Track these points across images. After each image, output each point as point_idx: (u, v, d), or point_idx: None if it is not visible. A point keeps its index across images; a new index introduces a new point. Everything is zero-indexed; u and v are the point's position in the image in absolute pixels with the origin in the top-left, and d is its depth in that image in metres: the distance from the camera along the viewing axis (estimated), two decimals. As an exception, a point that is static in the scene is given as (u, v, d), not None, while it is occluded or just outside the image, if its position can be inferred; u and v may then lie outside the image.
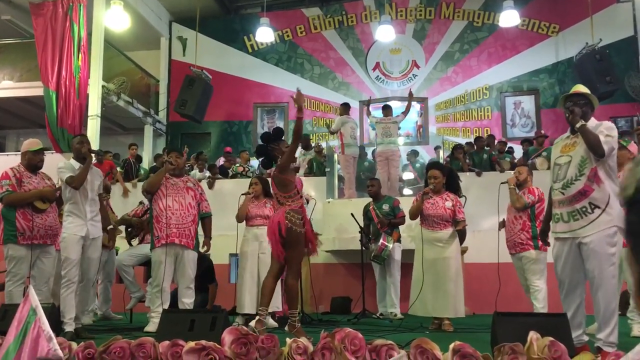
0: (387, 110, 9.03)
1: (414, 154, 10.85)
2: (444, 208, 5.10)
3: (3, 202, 4.76)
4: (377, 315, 6.62)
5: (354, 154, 8.99)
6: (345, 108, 9.25)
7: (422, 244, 5.14)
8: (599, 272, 3.29)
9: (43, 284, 4.90)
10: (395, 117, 8.96)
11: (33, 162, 4.92)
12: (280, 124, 13.03)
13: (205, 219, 5.31)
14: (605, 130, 3.38)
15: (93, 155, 4.91)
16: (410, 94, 9.24)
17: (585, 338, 3.43)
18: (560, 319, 3.18)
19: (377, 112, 9.71)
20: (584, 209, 3.37)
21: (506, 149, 10.18)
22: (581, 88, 3.69)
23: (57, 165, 4.70)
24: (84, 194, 4.69)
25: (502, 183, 5.46)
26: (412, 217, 5.31)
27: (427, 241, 5.14)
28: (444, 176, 5.23)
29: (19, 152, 5.22)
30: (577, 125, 3.45)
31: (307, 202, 5.88)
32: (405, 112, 8.95)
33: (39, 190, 4.85)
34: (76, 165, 4.74)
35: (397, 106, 9.68)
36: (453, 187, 5.29)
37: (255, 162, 10.22)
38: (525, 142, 10.16)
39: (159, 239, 4.99)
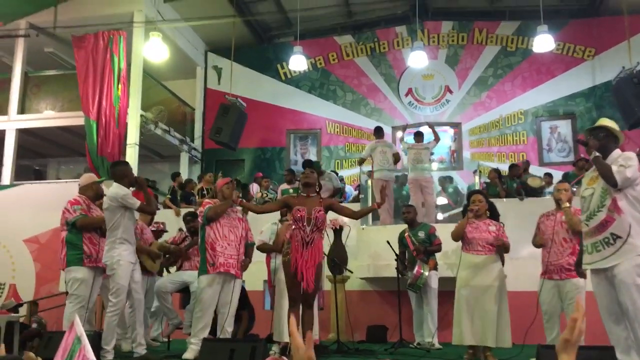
0: (418, 136, 9.00)
1: (445, 180, 10.73)
2: (488, 232, 5.07)
3: (77, 225, 4.95)
4: (415, 344, 6.51)
5: (384, 177, 8.66)
6: (377, 132, 9.14)
7: (463, 269, 5.04)
8: (631, 303, 3.25)
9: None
10: (426, 144, 8.92)
11: (100, 192, 5.26)
12: (313, 150, 13.13)
13: (248, 248, 5.42)
14: (622, 160, 3.40)
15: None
16: (430, 125, 9.34)
17: None
18: (607, 352, 3.10)
19: (409, 138, 9.70)
20: (606, 240, 3.38)
21: (529, 167, 10.08)
22: (604, 122, 3.68)
23: (120, 192, 4.76)
24: (134, 221, 4.88)
25: (556, 197, 5.09)
26: (456, 238, 5.21)
27: (469, 266, 5.04)
28: (487, 202, 5.24)
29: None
30: (591, 157, 3.56)
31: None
32: (436, 139, 8.94)
33: None
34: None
35: (428, 131, 9.66)
36: (494, 216, 5.28)
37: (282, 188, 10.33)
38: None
39: (215, 266, 5.00)
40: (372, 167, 8.91)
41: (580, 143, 3.63)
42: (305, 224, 4.51)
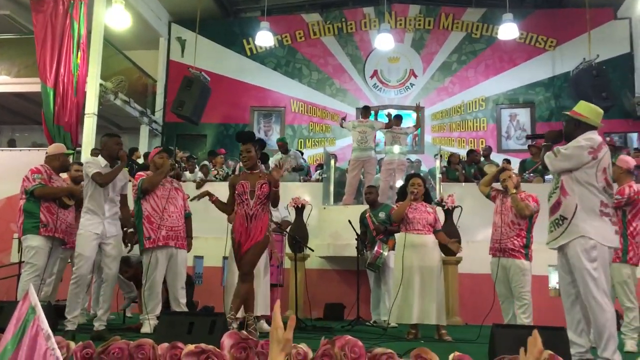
0: (398, 120, 9.02)
1: (415, 163, 10.82)
2: (427, 212, 5.26)
3: (35, 194, 4.89)
4: (371, 322, 6.62)
5: (359, 157, 8.62)
6: (362, 111, 9.02)
7: (406, 249, 5.12)
8: (583, 287, 3.35)
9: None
10: (406, 129, 9.00)
11: (66, 164, 5.23)
12: (277, 128, 13.07)
13: (187, 219, 5.32)
14: (567, 145, 3.51)
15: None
16: (417, 107, 9.30)
17: (589, 356, 3.41)
18: (559, 332, 3.20)
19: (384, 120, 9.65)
20: (556, 221, 3.52)
21: (490, 154, 10.28)
22: (577, 106, 3.71)
23: (84, 160, 4.73)
24: (105, 192, 4.68)
25: (502, 185, 5.24)
26: (397, 219, 5.34)
27: (411, 246, 5.15)
28: (424, 186, 5.41)
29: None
30: (542, 145, 3.82)
31: None
32: (417, 125, 9.09)
33: (69, 187, 5.13)
34: (103, 162, 4.74)
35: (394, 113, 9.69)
36: (428, 199, 5.49)
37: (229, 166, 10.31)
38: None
39: (152, 240, 4.94)
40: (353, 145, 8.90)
41: (528, 138, 3.89)
42: (248, 197, 4.50)
